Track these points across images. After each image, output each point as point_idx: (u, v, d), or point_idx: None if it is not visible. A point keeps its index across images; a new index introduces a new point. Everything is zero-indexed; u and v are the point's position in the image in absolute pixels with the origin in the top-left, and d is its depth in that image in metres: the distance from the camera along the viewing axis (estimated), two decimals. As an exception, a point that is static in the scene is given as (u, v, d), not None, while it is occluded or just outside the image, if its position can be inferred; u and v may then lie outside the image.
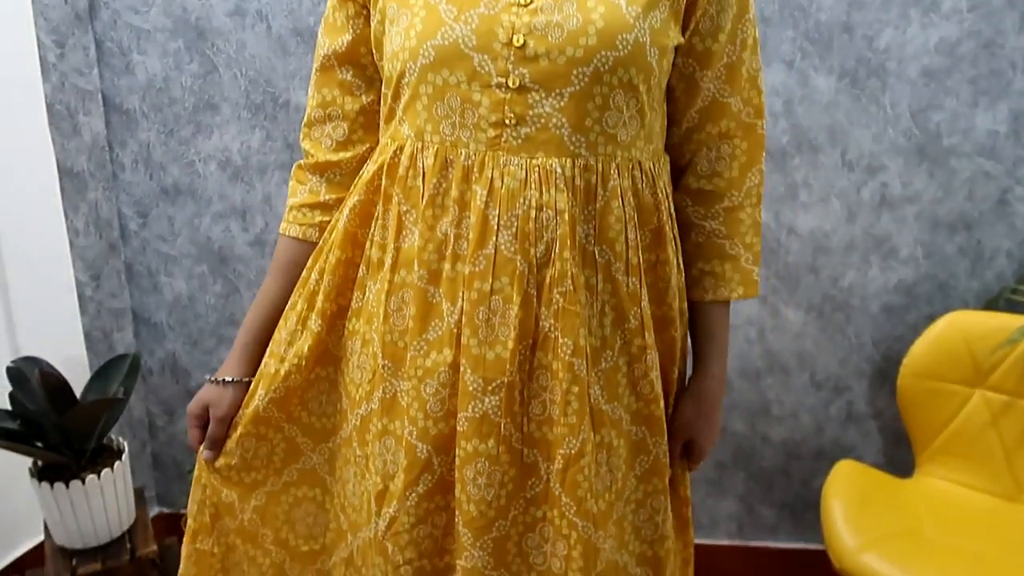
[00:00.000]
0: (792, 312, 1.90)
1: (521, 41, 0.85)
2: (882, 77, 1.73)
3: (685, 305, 1.04)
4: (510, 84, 0.87)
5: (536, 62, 0.86)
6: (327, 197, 1.05)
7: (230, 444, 1.04)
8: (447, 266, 0.91)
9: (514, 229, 0.88)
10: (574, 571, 0.92)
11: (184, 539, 1.08)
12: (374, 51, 0.99)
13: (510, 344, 0.89)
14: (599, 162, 0.90)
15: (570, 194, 0.88)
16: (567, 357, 0.89)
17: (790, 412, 1.97)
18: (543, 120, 0.87)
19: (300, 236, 1.05)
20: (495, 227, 0.88)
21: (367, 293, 0.98)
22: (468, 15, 0.86)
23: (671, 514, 1.04)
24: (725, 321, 1.08)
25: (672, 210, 1.00)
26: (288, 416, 1.03)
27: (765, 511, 2.05)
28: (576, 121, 0.88)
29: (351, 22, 0.99)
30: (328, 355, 1.03)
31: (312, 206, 1.05)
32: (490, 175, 0.88)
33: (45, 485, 1.58)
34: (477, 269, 0.89)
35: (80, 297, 1.90)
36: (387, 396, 0.95)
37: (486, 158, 0.88)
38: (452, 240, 0.90)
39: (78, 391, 1.67)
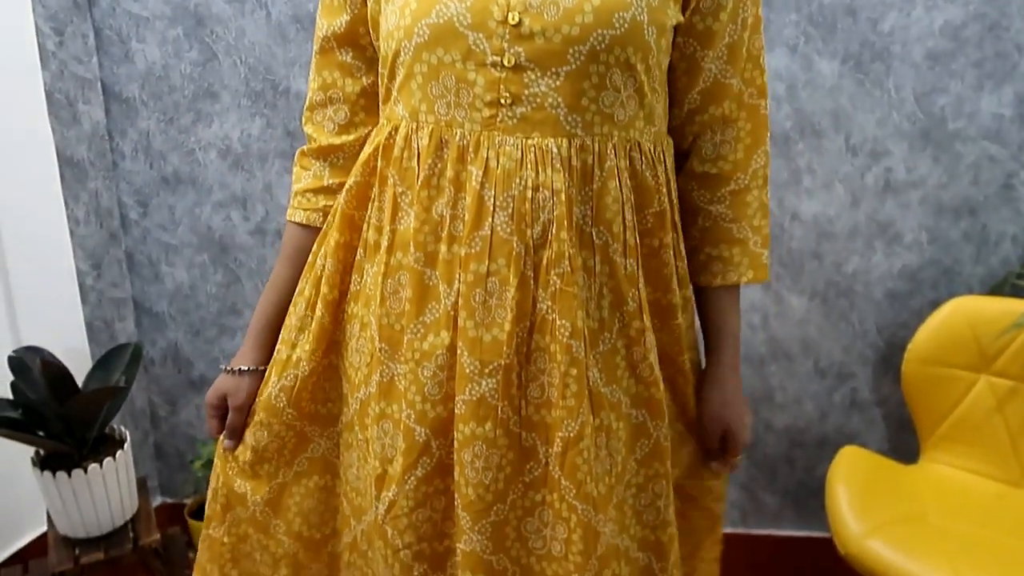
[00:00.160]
0: (796, 298, 1.89)
1: (516, 19, 0.84)
2: (886, 61, 1.71)
3: (690, 292, 1.03)
4: (505, 63, 0.85)
5: (531, 40, 0.85)
6: (331, 181, 1.04)
7: (247, 434, 1.04)
8: (443, 248, 0.90)
9: (510, 210, 0.87)
10: (574, 554, 0.91)
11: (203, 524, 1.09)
12: (371, 31, 0.98)
13: (507, 326, 0.88)
14: (595, 142, 0.88)
15: (566, 174, 0.87)
16: (565, 339, 0.88)
17: (794, 399, 1.96)
18: (539, 99, 0.86)
19: (305, 221, 1.05)
20: (491, 208, 0.87)
21: (364, 276, 0.97)
22: None
23: (675, 499, 1.03)
24: (736, 307, 1.06)
25: (675, 194, 0.99)
26: (299, 411, 1.03)
27: (768, 499, 2.04)
28: (572, 100, 0.86)
29: (348, 2, 0.98)
30: (332, 343, 1.03)
31: (316, 191, 1.05)
32: (485, 155, 0.87)
33: (47, 474, 1.58)
34: (473, 251, 0.88)
35: (81, 287, 1.90)
36: (384, 379, 0.94)
37: (481, 138, 0.87)
38: (448, 221, 0.89)
39: (80, 381, 1.67)
